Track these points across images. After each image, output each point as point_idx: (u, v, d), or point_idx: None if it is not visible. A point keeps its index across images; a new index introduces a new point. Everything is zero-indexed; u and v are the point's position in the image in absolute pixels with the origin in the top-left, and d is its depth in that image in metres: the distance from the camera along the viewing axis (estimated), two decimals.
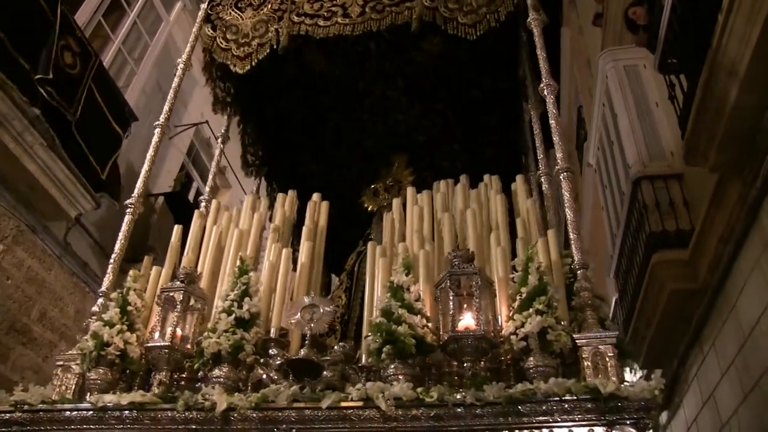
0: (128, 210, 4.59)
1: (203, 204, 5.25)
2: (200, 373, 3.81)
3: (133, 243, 4.53)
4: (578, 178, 11.18)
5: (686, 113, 6.01)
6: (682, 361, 7.45)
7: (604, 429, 3.08)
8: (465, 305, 3.49)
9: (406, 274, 3.62)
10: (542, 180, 4.87)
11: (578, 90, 11.50)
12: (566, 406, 3.10)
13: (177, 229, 4.61)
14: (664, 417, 8.42)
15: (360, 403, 3.20)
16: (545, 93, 4.59)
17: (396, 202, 4.44)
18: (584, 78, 10.95)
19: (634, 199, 7.13)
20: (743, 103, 4.84)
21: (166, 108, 5.22)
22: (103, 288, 4.27)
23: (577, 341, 3.38)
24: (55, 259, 7.78)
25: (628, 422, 3.08)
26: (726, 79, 4.94)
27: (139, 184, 4.72)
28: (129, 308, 3.98)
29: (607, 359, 3.31)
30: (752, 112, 5.01)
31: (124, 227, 4.49)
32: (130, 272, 4.21)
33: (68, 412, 3.59)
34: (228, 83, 6.13)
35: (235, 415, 3.32)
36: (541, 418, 3.12)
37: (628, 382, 3.20)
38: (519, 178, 4.51)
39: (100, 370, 3.79)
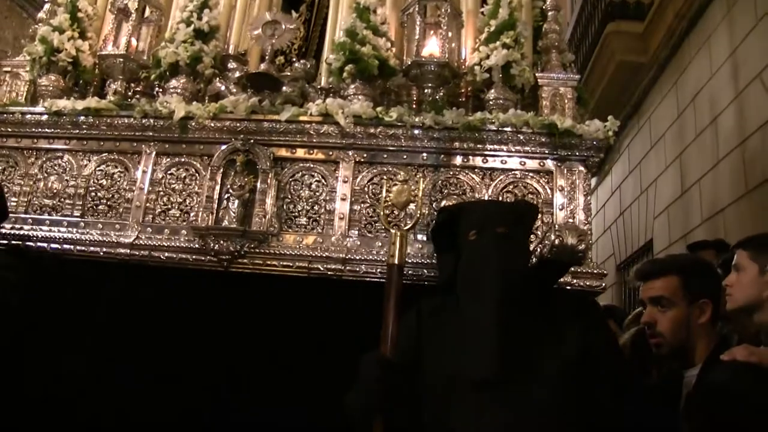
0: None
1: None
2: (156, 87, 3.55)
3: None
4: None
5: None
6: (617, 132, 7.56)
7: (555, 163, 3.02)
8: (431, 33, 3.22)
9: None
10: None
11: None
12: (521, 137, 2.99)
13: None
14: (593, 182, 8.70)
15: (319, 118, 3.02)
16: None
17: None
18: None
19: None
20: None
21: None
22: None
23: (539, 80, 3.20)
24: None
25: (578, 159, 3.02)
26: None
27: None
28: (80, 15, 3.60)
29: (566, 101, 3.16)
30: None
31: None
32: None
33: (21, 115, 3.36)
34: None
35: (193, 123, 3.12)
36: (495, 146, 3.01)
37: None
38: None
39: (52, 77, 3.51)
